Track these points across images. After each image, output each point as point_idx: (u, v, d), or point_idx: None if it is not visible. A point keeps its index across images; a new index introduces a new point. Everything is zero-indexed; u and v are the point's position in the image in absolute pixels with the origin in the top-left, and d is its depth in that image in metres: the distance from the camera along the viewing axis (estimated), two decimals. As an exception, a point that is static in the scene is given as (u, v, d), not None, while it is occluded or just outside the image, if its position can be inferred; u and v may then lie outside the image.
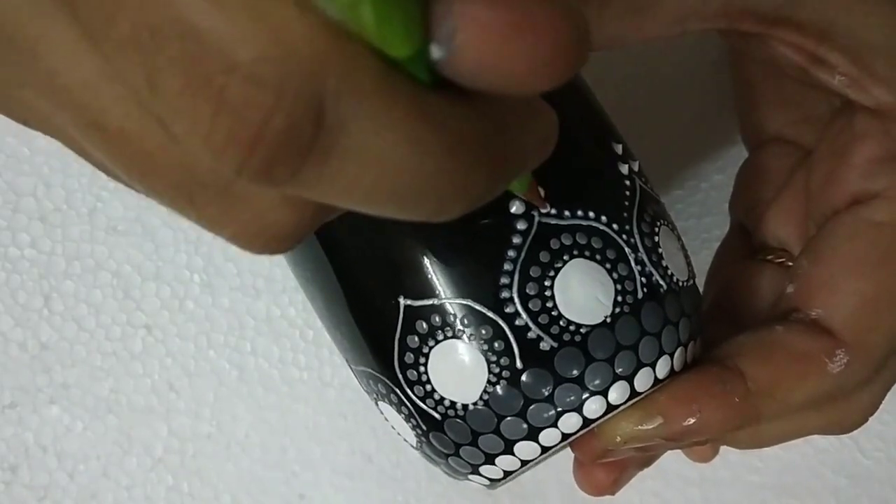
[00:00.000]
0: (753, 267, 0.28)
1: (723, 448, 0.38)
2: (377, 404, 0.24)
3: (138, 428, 0.35)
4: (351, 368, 0.25)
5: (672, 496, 0.38)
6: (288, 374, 0.36)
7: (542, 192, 0.21)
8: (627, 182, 0.23)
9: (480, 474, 0.23)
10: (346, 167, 0.12)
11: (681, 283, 0.23)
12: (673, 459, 0.38)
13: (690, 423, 0.22)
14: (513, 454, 0.22)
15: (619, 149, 0.23)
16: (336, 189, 0.12)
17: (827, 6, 0.22)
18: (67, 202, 0.35)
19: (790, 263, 0.27)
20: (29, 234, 0.35)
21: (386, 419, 0.25)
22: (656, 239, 0.23)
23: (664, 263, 0.23)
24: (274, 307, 0.36)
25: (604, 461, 0.25)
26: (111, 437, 0.35)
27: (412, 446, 0.24)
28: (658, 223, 0.23)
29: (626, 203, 0.22)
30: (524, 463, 0.23)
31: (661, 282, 0.22)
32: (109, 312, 0.35)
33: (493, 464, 0.23)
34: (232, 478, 0.36)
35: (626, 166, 0.23)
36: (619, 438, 0.23)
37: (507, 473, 0.23)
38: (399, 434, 0.25)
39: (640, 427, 0.23)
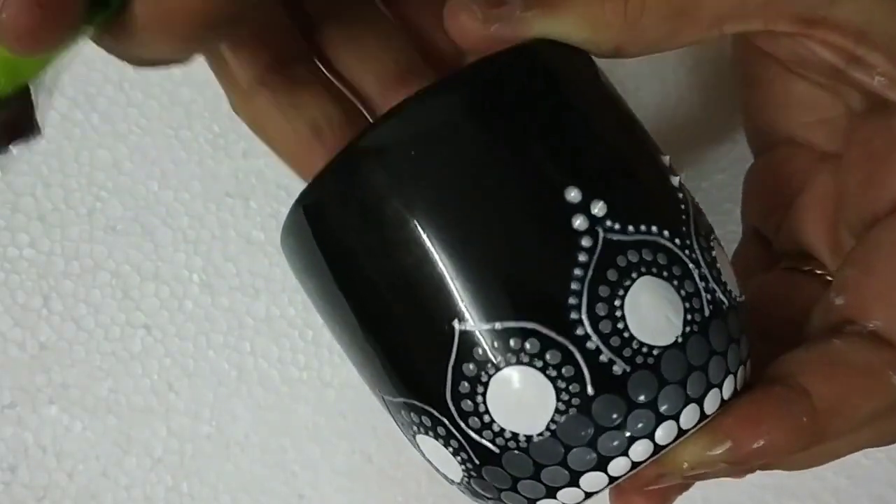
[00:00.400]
0: (783, 277, 0.28)
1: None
2: (414, 438, 0.23)
3: (137, 428, 0.35)
4: (383, 400, 0.23)
5: (672, 496, 0.38)
6: (287, 374, 0.36)
7: None
8: (680, 195, 0.22)
9: None
10: None
11: (737, 299, 0.22)
12: (673, 459, 0.38)
13: (759, 445, 0.22)
14: (578, 486, 0.21)
15: (667, 160, 0.22)
16: None
17: (865, 6, 0.22)
18: (66, 202, 0.35)
19: (819, 271, 0.27)
20: (28, 233, 0.35)
21: (424, 455, 0.23)
22: (713, 253, 0.22)
23: (723, 279, 0.22)
24: (273, 307, 0.36)
25: (649, 489, 0.24)
26: (110, 438, 0.35)
27: (453, 482, 0.23)
28: (712, 237, 0.22)
29: (684, 217, 0.21)
30: (588, 495, 0.21)
31: (724, 298, 0.21)
32: (108, 312, 0.35)
33: (555, 497, 0.21)
34: (232, 478, 0.36)
35: (677, 178, 0.22)
36: (686, 465, 0.22)
37: None
38: (438, 470, 0.23)
39: (708, 452, 0.22)
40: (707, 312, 0.21)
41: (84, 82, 0.35)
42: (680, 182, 0.22)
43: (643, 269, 0.20)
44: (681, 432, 0.21)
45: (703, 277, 0.21)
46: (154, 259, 0.35)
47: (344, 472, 0.37)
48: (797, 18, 0.22)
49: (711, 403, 0.21)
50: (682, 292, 0.20)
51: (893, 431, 0.24)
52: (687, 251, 0.21)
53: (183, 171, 0.35)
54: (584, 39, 0.21)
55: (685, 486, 0.26)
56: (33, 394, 0.35)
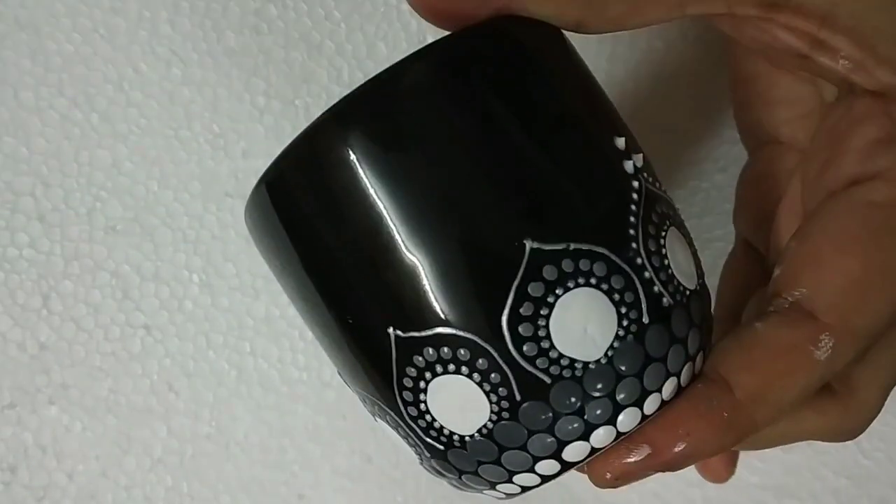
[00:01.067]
0: None
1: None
2: (375, 419, 0.24)
3: (137, 428, 0.35)
4: (348, 385, 0.24)
5: (672, 496, 0.38)
6: (287, 374, 0.36)
7: None
8: (635, 183, 0.21)
9: (486, 494, 0.23)
10: None
11: (688, 293, 0.22)
12: (673, 460, 0.38)
13: (682, 448, 0.21)
14: (512, 482, 0.22)
15: (621, 143, 0.21)
16: None
17: None
18: (66, 202, 0.35)
19: None
20: (27, 233, 0.35)
21: (385, 433, 0.24)
22: (664, 251, 0.21)
23: (674, 275, 0.21)
24: (273, 307, 0.36)
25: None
26: (110, 438, 0.35)
27: (417, 461, 0.24)
28: (665, 226, 0.22)
29: (632, 218, 0.21)
30: (525, 489, 0.22)
31: (670, 298, 0.21)
32: (108, 312, 0.35)
33: (495, 489, 0.22)
34: (231, 478, 0.36)
35: (631, 163, 0.21)
36: (609, 475, 0.22)
37: (509, 496, 0.23)
38: (401, 448, 0.24)
39: (627, 461, 0.21)
40: (646, 320, 0.20)
41: (83, 82, 0.35)
42: (636, 166, 0.21)
43: (579, 281, 0.20)
44: (619, 435, 0.21)
45: (645, 283, 0.20)
46: (154, 259, 0.35)
47: (344, 472, 0.37)
48: (759, 2, 0.22)
49: (651, 406, 0.21)
50: (622, 307, 0.20)
51: (841, 424, 0.24)
52: (629, 258, 0.20)
53: (183, 171, 0.35)
54: (547, 14, 0.21)
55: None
56: (33, 394, 0.35)
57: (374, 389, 0.22)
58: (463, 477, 0.22)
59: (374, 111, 0.20)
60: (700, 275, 0.23)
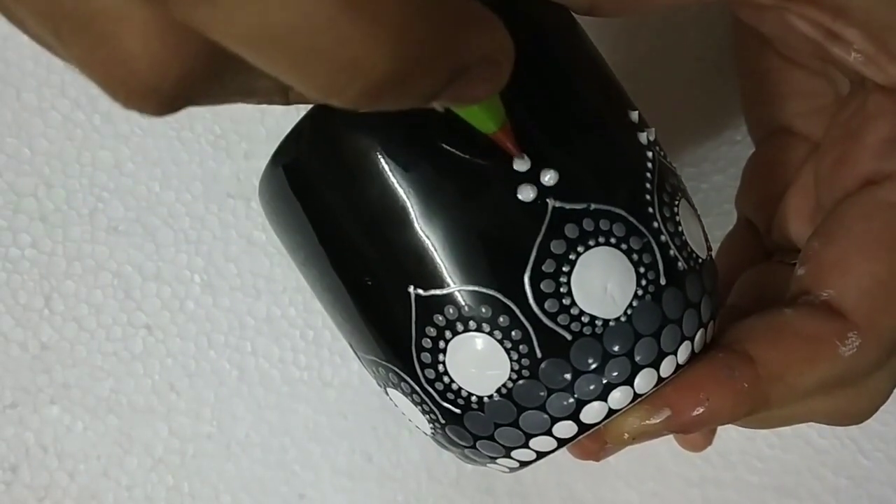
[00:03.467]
0: (774, 271, 0.28)
1: (723, 448, 0.38)
2: (386, 391, 0.24)
3: (139, 428, 0.35)
4: (357, 354, 0.24)
5: (672, 496, 0.38)
6: (288, 374, 0.36)
7: (512, 142, 0.19)
8: (649, 153, 0.22)
9: (498, 464, 0.23)
10: None
11: (700, 260, 0.22)
12: (673, 460, 0.38)
13: (699, 412, 0.22)
14: (528, 447, 0.22)
15: (635, 116, 0.22)
16: (216, 17, 0.11)
17: None
18: (68, 202, 0.35)
19: None
20: (30, 234, 0.35)
21: (396, 405, 0.24)
22: (678, 219, 0.22)
23: (687, 242, 0.22)
24: (274, 307, 0.36)
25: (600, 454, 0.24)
26: (112, 438, 0.35)
27: (425, 433, 0.24)
28: (677, 197, 0.22)
29: (648, 185, 0.22)
30: (539, 455, 0.22)
31: (685, 263, 0.22)
32: (110, 313, 0.35)
33: (509, 456, 0.22)
34: (232, 478, 0.36)
35: (645, 134, 0.22)
36: (627, 435, 0.22)
37: (522, 464, 0.23)
38: (410, 420, 0.24)
39: (648, 422, 0.22)
40: (663, 281, 0.21)
41: (86, 84, 0.35)
42: (648, 139, 0.22)
43: (599, 240, 0.20)
44: (636, 396, 0.21)
45: (662, 246, 0.21)
46: (155, 259, 0.35)
47: (344, 472, 0.37)
48: None
49: (667, 369, 0.21)
50: (640, 266, 0.21)
51: (849, 407, 0.24)
52: (647, 221, 0.21)
53: (184, 171, 0.35)
54: None
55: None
56: (35, 394, 0.35)
57: (390, 354, 0.22)
58: (478, 444, 0.22)
59: None
60: (709, 248, 0.24)
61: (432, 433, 0.23)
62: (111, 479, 0.35)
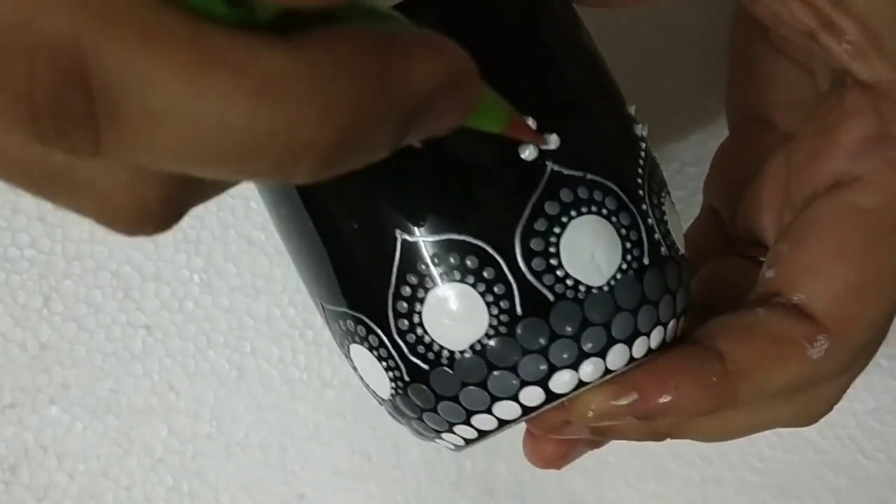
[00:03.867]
0: (734, 264, 0.28)
1: (723, 448, 0.38)
2: (348, 348, 0.23)
3: (138, 428, 0.35)
4: (322, 307, 0.24)
5: (672, 496, 0.38)
6: (288, 374, 0.36)
7: (532, 125, 0.20)
8: (643, 144, 0.23)
9: (454, 433, 0.23)
10: (142, 129, 0.11)
11: (680, 253, 0.23)
12: (673, 460, 0.38)
13: (665, 400, 0.22)
14: (491, 413, 0.22)
15: (632, 110, 0.23)
16: (149, 154, 0.11)
17: None
18: (67, 202, 0.35)
19: (764, 259, 0.27)
20: (28, 234, 0.35)
21: (355, 367, 0.24)
22: (663, 208, 0.23)
23: (671, 233, 0.23)
24: (274, 307, 0.36)
25: (556, 437, 0.24)
26: (111, 438, 0.35)
27: (380, 400, 0.23)
28: (664, 192, 0.23)
29: (640, 171, 0.22)
30: (501, 423, 0.22)
31: (667, 251, 0.22)
32: (109, 312, 0.35)
33: (469, 423, 0.22)
34: (232, 478, 0.36)
35: (640, 127, 0.23)
36: (591, 413, 0.22)
37: (480, 433, 0.22)
38: (368, 385, 0.24)
39: (613, 402, 0.22)
40: (646, 261, 0.21)
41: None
42: (642, 133, 0.23)
43: (592, 208, 0.21)
44: (607, 371, 0.21)
45: (648, 228, 0.22)
46: (155, 259, 0.35)
47: (344, 472, 0.37)
48: None
49: (639, 349, 0.22)
50: (627, 242, 0.21)
51: (813, 410, 0.25)
52: (637, 201, 0.21)
53: (183, 171, 0.35)
54: None
55: (596, 443, 0.26)
56: (34, 394, 0.35)
57: (362, 303, 0.21)
58: (438, 406, 0.22)
59: None
60: (685, 248, 0.24)
61: (391, 397, 0.23)
62: (111, 479, 0.35)
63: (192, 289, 0.35)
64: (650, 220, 0.22)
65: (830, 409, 0.25)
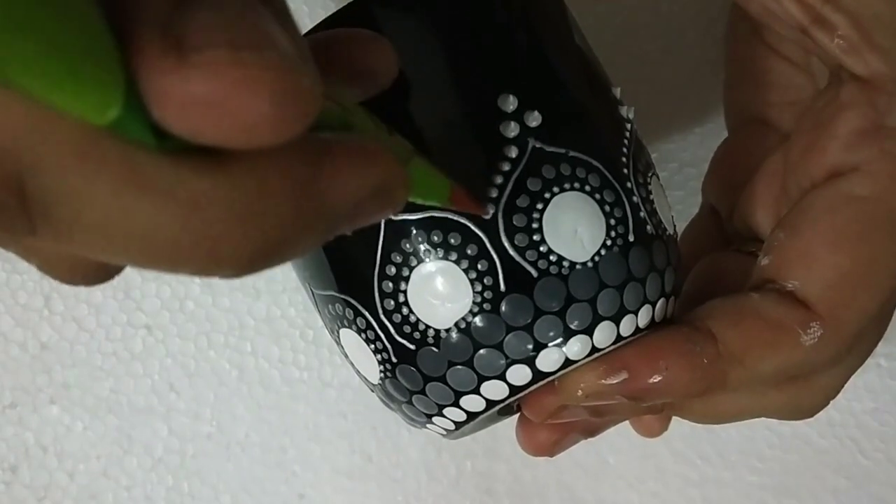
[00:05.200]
0: (731, 258, 0.28)
1: (723, 448, 0.38)
2: (338, 333, 0.23)
3: (138, 428, 0.35)
4: (311, 292, 0.24)
5: (672, 496, 0.38)
6: (288, 374, 0.36)
7: (469, 202, 0.20)
8: (628, 125, 0.23)
9: (444, 416, 0.23)
10: (73, 233, 0.12)
11: (667, 233, 0.23)
12: (673, 460, 0.38)
13: (656, 380, 0.22)
14: (479, 393, 0.22)
15: (617, 92, 0.23)
16: (81, 249, 0.12)
17: None
18: (68, 202, 0.35)
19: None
20: (29, 234, 0.35)
21: (346, 353, 0.24)
22: (649, 188, 0.23)
23: (657, 212, 0.23)
24: (274, 307, 0.36)
25: (551, 421, 0.24)
26: (111, 437, 0.35)
27: (371, 385, 0.24)
28: (650, 172, 0.23)
29: (625, 150, 0.22)
30: (490, 403, 0.22)
31: (653, 229, 0.22)
32: (110, 312, 0.35)
33: (458, 405, 0.22)
34: (232, 478, 0.36)
35: (625, 109, 0.23)
36: (580, 392, 0.22)
37: (469, 415, 0.22)
38: (358, 371, 0.24)
39: (603, 381, 0.22)
40: (631, 238, 0.21)
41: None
42: (628, 114, 0.23)
43: (574, 185, 0.21)
44: (594, 349, 0.21)
45: (633, 206, 0.22)
46: (155, 259, 0.35)
47: (344, 472, 0.37)
48: None
49: (627, 327, 0.21)
50: (611, 219, 0.21)
51: (808, 403, 0.24)
52: (621, 179, 0.22)
53: (184, 171, 0.35)
54: None
55: (590, 430, 0.26)
56: (34, 394, 0.35)
57: (349, 285, 0.22)
58: (427, 388, 0.22)
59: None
60: (674, 228, 0.24)
61: (380, 381, 0.23)
62: (111, 479, 0.36)
63: (193, 289, 0.35)
64: (635, 198, 0.22)
65: (826, 402, 0.25)
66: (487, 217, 0.20)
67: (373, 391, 0.24)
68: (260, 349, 0.36)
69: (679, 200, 0.36)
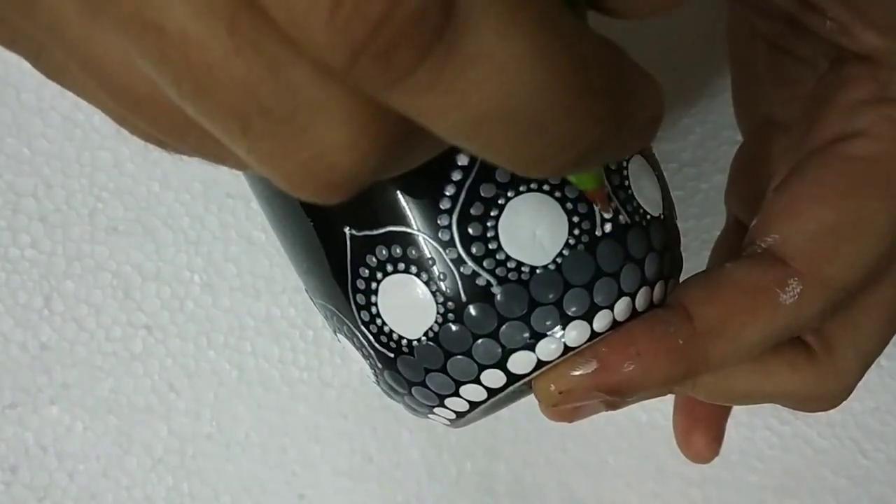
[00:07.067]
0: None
1: (723, 448, 0.38)
2: (338, 337, 0.24)
3: (138, 428, 0.35)
4: (311, 299, 0.24)
5: (672, 496, 0.38)
6: (288, 374, 0.36)
7: (609, 195, 0.20)
8: None
9: (436, 414, 0.23)
10: (466, 71, 0.11)
11: (649, 217, 0.22)
12: (673, 460, 0.38)
13: (630, 369, 0.21)
14: (459, 395, 0.22)
15: None
16: (445, 101, 0.11)
17: None
18: (68, 203, 0.35)
19: None
20: (29, 234, 0.35)
21: (347, 355, 0.24)
22: (625, 173, 0.22)
23: (635, 198, 0.22)
24: (274, 307, 0.36)
25: (562, 407, 0.23)
26: (111, 438, 0.35)
27: (373, 381, 0.24)
28: (625, 162, 0.22)
29: None
30: (473, 406, 0.22)
31: (627, 217, 0.21)
32: (110, 313, 0.35)
33: (444, 405, 0.22)
34: (232, 478, 0.36)
35: None
36: (553, 388, 0.21)
37: (458, 415, 0.22)
38: (362, 369, 0.24)
39: (574, 372, 0.21)
40: (598, 233, 0.21)
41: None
42: None
43: (531, 185, 0.20)
44: (567, 349, 0.21)
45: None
46: (155, 260, 0.35)
47: (344, 472, 0.37)
48: None
49: (601, 323, 0.21)
50: (574, 216, 0.20)
51: (817, 388, 0.23)
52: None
53: (184, 172, 0.35)
54: None
55: (611, 403, 0.24)
56: (34, 394, 0.35)
57: (333, 296, 0.22)
58: (413, 390, 0.22)
59: None
60: (667, 206, 0.23)
61: (376, 381, 0.23)
62: (111, 479, 0.35)
63: (193, 289, 0.35)
64: (604, 188, 0.21)
65: (848, 389, 0.23)
66: (607, 216, 0.20)
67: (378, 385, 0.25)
68: (260, 349, 0.36)
69: (679, 200, 0.36)
